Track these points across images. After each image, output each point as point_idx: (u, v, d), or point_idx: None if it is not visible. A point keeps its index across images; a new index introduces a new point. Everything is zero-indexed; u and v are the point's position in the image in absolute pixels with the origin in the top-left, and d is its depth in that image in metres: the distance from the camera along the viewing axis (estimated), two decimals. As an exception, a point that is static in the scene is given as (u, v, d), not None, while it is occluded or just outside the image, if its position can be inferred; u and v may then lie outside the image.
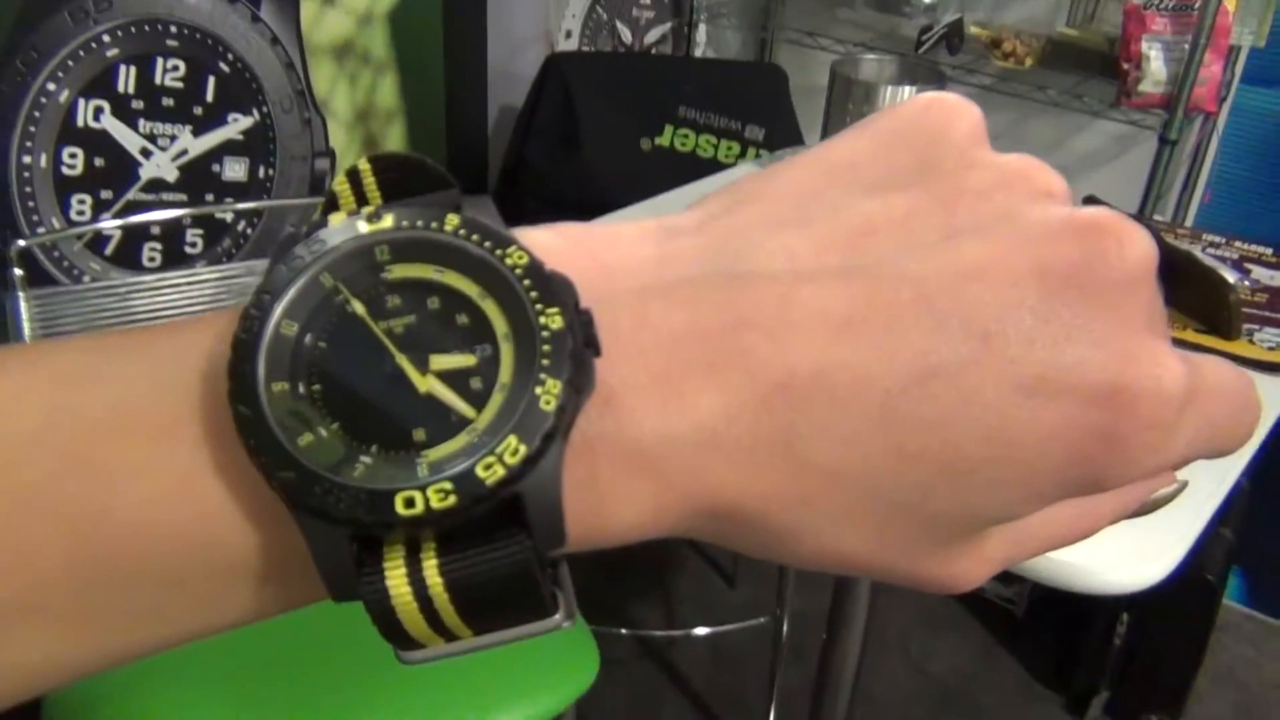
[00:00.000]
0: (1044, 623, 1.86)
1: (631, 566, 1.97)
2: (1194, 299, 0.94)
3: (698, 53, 1.93)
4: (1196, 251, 1.04)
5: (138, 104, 1.20)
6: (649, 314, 0.18)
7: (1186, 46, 1.47)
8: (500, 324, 0.17)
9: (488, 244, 0.17)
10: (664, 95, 1.51)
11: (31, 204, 1.15)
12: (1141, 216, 1.16)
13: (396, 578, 0.16)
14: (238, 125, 1.30)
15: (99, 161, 1.19)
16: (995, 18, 1.75)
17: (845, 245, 0.19)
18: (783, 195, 0.20)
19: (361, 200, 0.19)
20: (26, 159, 1.13)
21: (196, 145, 1.27)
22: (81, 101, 1.16)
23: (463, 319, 0.17)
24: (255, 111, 1.31)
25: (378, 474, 0.16)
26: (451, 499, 0.16)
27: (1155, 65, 1.53)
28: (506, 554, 0.17)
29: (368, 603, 0.17)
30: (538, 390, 0.16)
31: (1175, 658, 1.59)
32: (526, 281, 0.17)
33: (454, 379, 0.17)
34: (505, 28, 1.58)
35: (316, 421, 0.16)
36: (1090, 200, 1.07)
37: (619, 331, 0.18)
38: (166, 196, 1.26)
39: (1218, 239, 1.11)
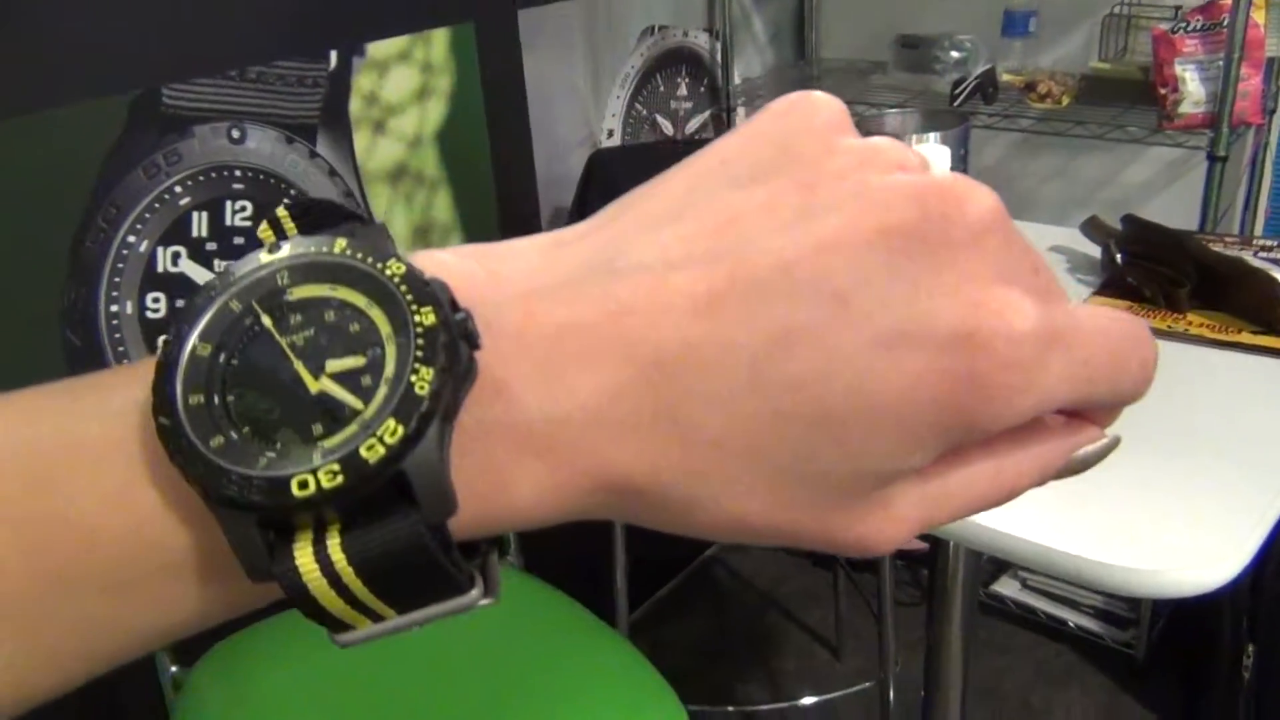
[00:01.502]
0: (1166, 665, 1.78)
1: (734, 647, 1.95)
2: (1246, 301, 0.93)
3: (740, 135, 1.98)
4: (1247, 256, 1.02)
5: (211, 246, 1.29)
6: (534, 312, 0.20)
7: (1221, 64, 1.46)
8: (385, 327, 0.20)
9: (370, 259, 0.20)
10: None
11: (121, 349, 1.23)
12: (1194, 233, 1.15)
13: (304, 556, 0.19)
14: (305, 255, 1.38)
15: (181, 303, 1.27)
16: (1027, 63, 1.77)
17: (712, 234, 0.21)
18: (657, 199, 0.22)
19: (283, 239, 0.21)
20: (114, 308, 1.21)
21: (269, 277, 1.35)
22: (160, 249, 1.24)
23: (355, 327, 0.20)
24: (320, 240, 1.39)
25: (279, 464, 0.19)
26: (340, 478, 0.18)
27: (1192, 86, 1.53)
28: (401, 526, 0.19)
29: (281, 580, 0.19)
30: (413, 378, 0.19)
31: (1311, 687, 1.51)
32: (403, 287, 0.20)
33: (347, 379, 0.19)
34: (549, 134, 1.65)
35: (229, 427, 0.19)
36: (1129, 220, 1.07)
37: (506, 329, 0.20)
38: (245, 328, 1.33)
39: (1270, 242, 1.10)
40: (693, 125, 1.91)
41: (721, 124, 1.95)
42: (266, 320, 0.20)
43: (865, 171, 0.21)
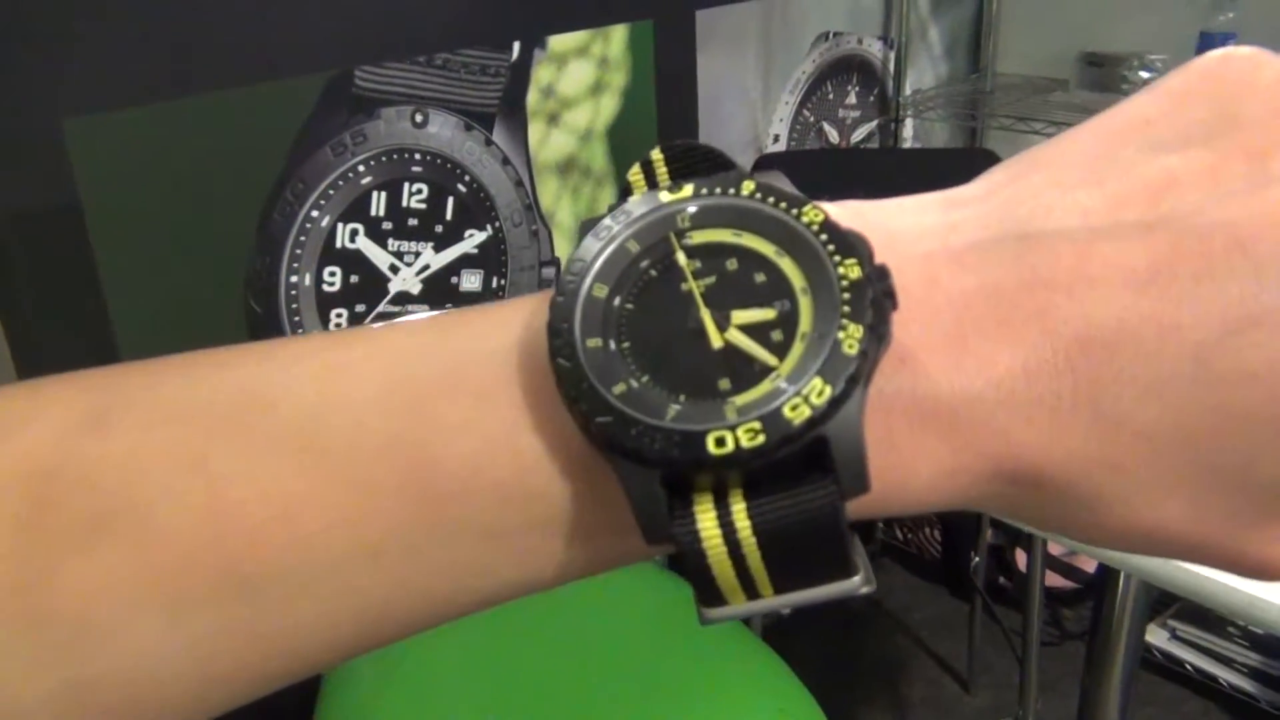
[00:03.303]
0: (1330, 735, 1.67)
1: (860, 668, 1.91)
2: None
3: (905, 146, 1.94)
4: None
5: (387, 225, 1.32)
6: (938, 277, 0.18)
7: None
8: (797, 279, 0.18)
9: (783, 205, 0.19)
10: (871, 185, 1.52)
11: (297, 319, 1.27)
12: None
13: (707, 519, 0.17)
14: (473, 240, 1.41)
15: (354, 278, 1.31)
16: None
17: (1144, 201, 0.18)
18: (1071, 160, 0.20)
19: (653, 185, 0.20)
20: (294, 278, 1.26)
21: (438, 260, 1.38)
22: (340, 226, 1.28)
23: (760, 277, 0.18)
24: (489, 227, 1.41)
25: (689, 417, 0.17)
26: (760, 438, 0.17)
27: None
28: (814, 497, 0.17)
29: (680, 544, 0.17)
30: (840, 335, 0.17)
31: None
32: (823, 236, 0.18)
33: (755, 332, 0.18)
34: (716, 135, 1.64)
35: (628, 374, 0.18)
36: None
37: (909, 293, 0.18)
38: (411, 308, 1.37)
39: None
40: (858, 135, 1.88)
41: (889, 135, 1.91)
42: (681, 258, 0.19)
43: None
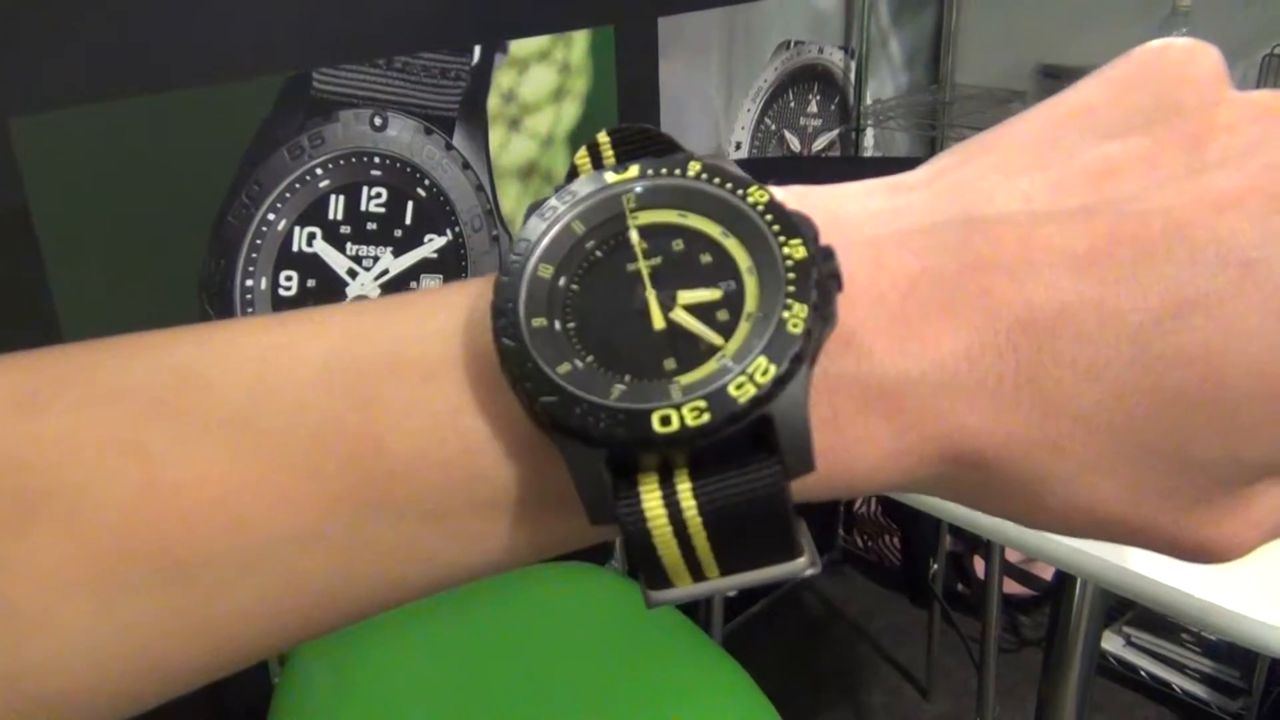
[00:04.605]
0: (1281, 739, 1.69)
1: (820, 674, 1.91)
2: None
3: (866, 155, 1.95)
4: None
5: (345, 229, 1.31)
6: (883, 260, 0.18)
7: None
8: (743, 259, 0.18)
9: (728, 185, 0.19)
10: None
11: (253, 323, 1.25)
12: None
13: (652, 499, 0.17)
14: (433, 245, 1.40)
15: (311, 283, 1.29)
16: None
17: (1085, 186, 0.19)
18: (1014, 146, 0.20)
19: (600, 167, 0.20)
20: (249, 282, 1.24)
21: (397, 265, 1.37)
22: (297, 229, 1.27)
23: (706, 258, 0.18)
24: (449, 232, 1.41)
25: (633, 396, 0.17)
26: (706, 416, 0.17)
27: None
28: (759, 476, 0.17)
29: (625, 524, 0.17)
30: (785, 314, 0.17)
31: None
32: (768, 217, 0.18)
33: (701, 312, 0.18)
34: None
35: (572, 354, 0.18)
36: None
37: (854, 276, 0.18)
38: (370, 313, 1.35)
39: None
40: (819, 143, 1.89)
41: (850, 144, 1.92)
42: (634, 236, 0.19)
43: (1264, 127, 0.19)
